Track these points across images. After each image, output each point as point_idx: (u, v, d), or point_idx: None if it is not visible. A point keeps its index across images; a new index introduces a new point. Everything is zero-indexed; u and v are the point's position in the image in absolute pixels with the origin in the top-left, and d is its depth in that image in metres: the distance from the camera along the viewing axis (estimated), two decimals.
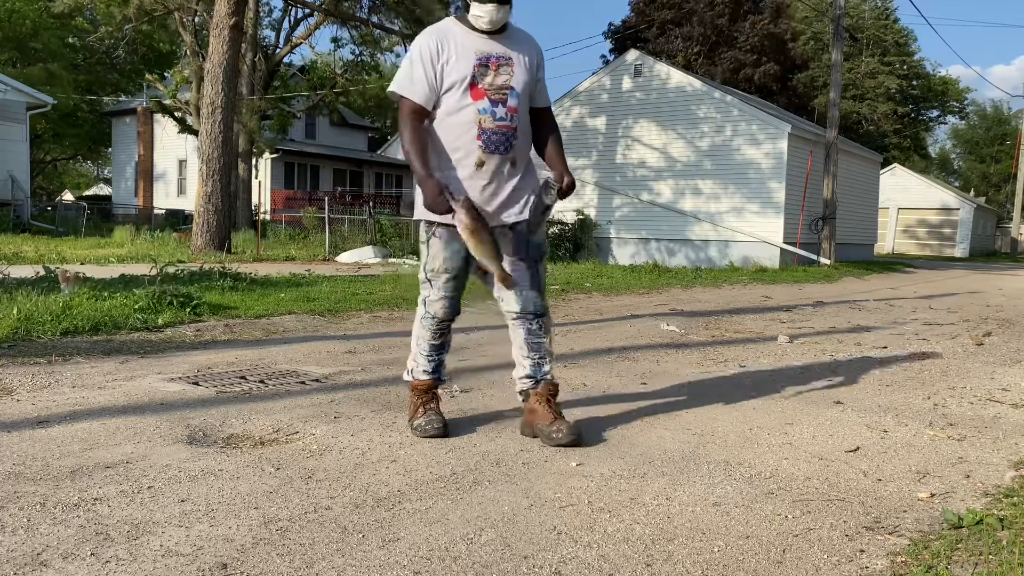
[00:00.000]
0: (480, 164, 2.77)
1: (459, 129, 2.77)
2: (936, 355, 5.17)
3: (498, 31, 2.79)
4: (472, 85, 2.73)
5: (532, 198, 2.86)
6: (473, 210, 2.66)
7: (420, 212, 2.86)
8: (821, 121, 26.55)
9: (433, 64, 2.75)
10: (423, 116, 2.80)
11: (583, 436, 2.81)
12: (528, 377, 2.93)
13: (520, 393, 2.99)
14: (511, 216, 2.85)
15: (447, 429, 2.89)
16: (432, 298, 2.91)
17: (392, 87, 2.84)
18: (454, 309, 2.94)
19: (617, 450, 2.77)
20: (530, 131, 2.91)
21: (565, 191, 2.80)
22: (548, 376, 2.93)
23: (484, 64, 2.75)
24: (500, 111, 2.76)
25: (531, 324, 2.91)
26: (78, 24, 25.33)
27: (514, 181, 2.84)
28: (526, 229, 2.86)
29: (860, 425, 3.23)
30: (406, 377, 3.06)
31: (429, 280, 2.91)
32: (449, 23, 2.84)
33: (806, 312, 7.95)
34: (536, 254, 2.90)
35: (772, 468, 2.62)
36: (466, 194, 2.73)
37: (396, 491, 2.31)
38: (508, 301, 2.90)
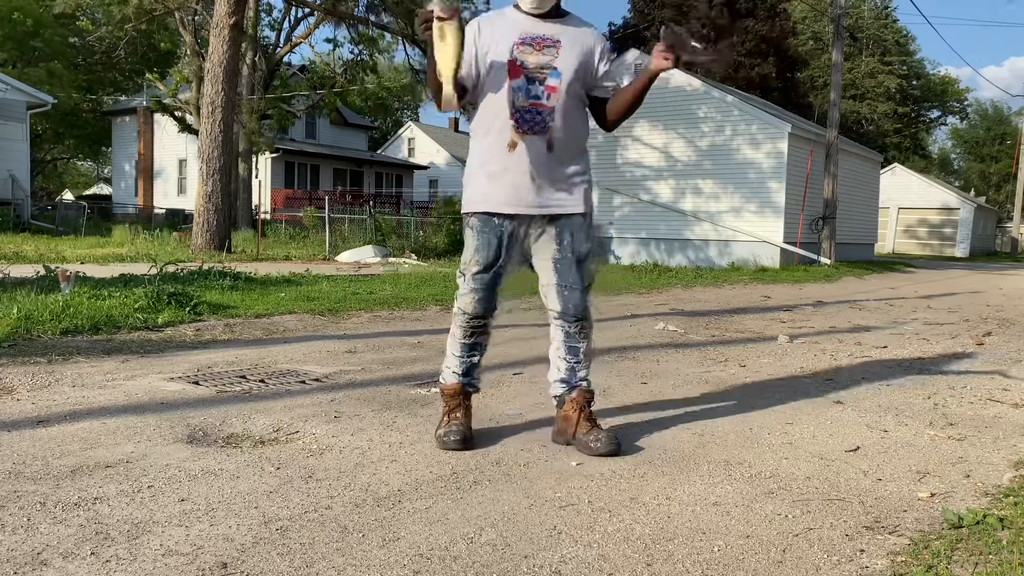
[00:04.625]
0: (513, 144, 2.67)
1: (495, 107, 2.68)
2: (936, 354, 5.17)
3: (554, 15, 2.71)
4: (510, 63, 2.65)
5: (583, 191, 2.76)
6: (453, 9, 2.50)
7: (463, 204, 2.82)
8: (821, 120, 26.56)
9: (475, 42, 2.67)
10: None
11: (622, 445, 2.73)
12: (562, 381, 2.83)
13: (555, 398, 2.86)
14: (551, 207, 2.72)
15: (469, 442, 2.72)
16: (463, 291, 2.80)
17: None
18: (484, 305, 2.78)
19: None
20: (579, 119, 2.77)
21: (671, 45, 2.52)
22: (583, 383, 2.82)
23: (527, 43, 2.66)
24: (536, 89, 2.65)
25: (570, 327, 2.78)
26: (83, 27, 25.32)
27: (554, 168, 2.71)
28: (581, 225, 2.74)
29: (860, 425, 3.23)
30: (440, 381, 2.93)
31: (462, 273, 2.80)
32: (507, 8, 2.77)
33: (806, 312, 7.95)
34: (580, 252, 2.75)
35: (772, 468, 2.61)
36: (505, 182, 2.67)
37: (396, 491, 2.31)
38: (549, 300, 2.79)
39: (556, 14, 2.73)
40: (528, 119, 2.66)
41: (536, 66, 2.65)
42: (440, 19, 2.47)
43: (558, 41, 2.69)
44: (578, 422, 2.77)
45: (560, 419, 2.82)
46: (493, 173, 2.71)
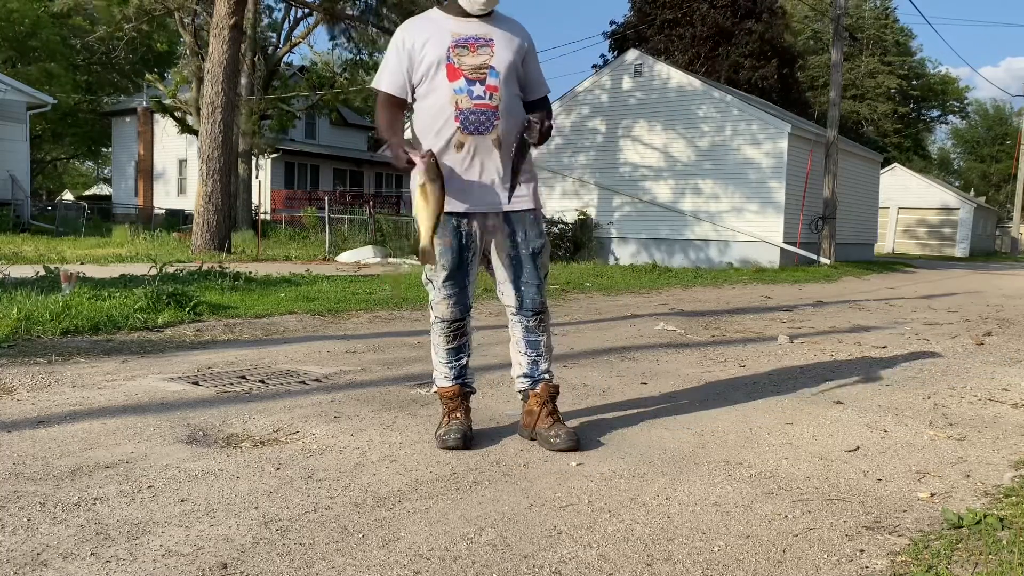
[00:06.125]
0: (460, 146, 2.68)
1: (436, 111, 2.69)
2: (936, 355, 5.17)
3: (482, 16, 2.73)
4: (448, 66, 2.66)
5: (532, 187, 2.80)
6: (434, 167, 2.56)
7: None
8: (821, 120, 26.54)
9: (411, 53, 2.71)
10: (398, 105, 2.80)
11: (581, 441, 2.77)
12: (525, 376, 2.87)
13: (519, 392, 2.93)
14: (503, 203, 2.75)
15: (469, 442, 2.74)
16: (436, 299, 2.81)
17: (372, 82, 2.86)
18: (460, 308, 2.81)
19: (617, 450, 2.77)
20: (521, 116, 2.76)
21: (543, 131, 2.67)
22: (546, 376, 2.86)
23: (461, 45, 2.68)
24: (478, 89, 2.66)
25: (528, 321, 2.83)
26: (76, 23, 25.32)
27: (503, 166, 2.73)
28: (527, 220, 2.78)
29: (860, 425, 3.23)
30: (435, 387, 2.96)
31: (430, 280, 2.82)
32: (431, 11, 2.80)
33: (806, 312, 7.95)
34: (534, 247, 2.80)
35: (772, 468, 2.61)
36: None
37: (396, 491, 2.31)
38: (506, 295, 2.84)
39: (486, 14, 2.75)
40: (473, 120, 2.67)
41: (474, 67, 2.67)
42: (422, 185, 2.55)
43: (491, 40, 2.71)
44: (540, 416, 2.81)
45: (524, 413, 2.88)
46: (443, 174, 2.69)
